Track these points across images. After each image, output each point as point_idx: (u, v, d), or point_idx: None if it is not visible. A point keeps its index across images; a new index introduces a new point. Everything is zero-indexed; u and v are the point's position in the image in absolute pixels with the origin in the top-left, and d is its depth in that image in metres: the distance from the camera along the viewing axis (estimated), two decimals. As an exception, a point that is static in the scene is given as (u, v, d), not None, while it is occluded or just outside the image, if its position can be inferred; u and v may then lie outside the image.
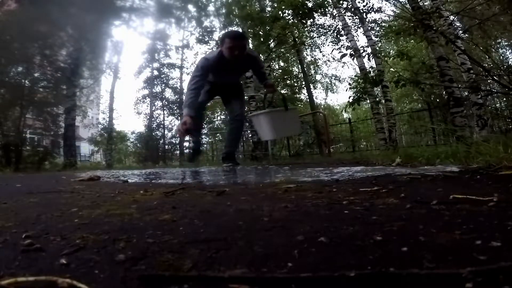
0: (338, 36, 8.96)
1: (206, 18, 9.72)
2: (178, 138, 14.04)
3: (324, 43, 11.22)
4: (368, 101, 7.98)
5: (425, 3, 6.59)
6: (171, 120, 14.07)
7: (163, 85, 13.90)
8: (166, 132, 13.74)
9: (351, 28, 8.77)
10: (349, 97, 5.09)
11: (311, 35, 10.90)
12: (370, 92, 6.82)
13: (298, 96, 12.39)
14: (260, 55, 8.39)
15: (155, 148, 12.93)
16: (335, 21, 9.27)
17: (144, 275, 0.34)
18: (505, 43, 9.86)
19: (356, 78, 6.30)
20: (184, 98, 2.56)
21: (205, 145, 16.42)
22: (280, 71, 13.61)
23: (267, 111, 2.77)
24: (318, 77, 13.58)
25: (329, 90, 13.78)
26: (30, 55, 6.03)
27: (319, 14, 7.64)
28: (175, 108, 13.92)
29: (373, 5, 7.44)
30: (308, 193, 0.88)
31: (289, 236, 0.47)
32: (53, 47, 6.38)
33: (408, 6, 5.65)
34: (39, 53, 6.26)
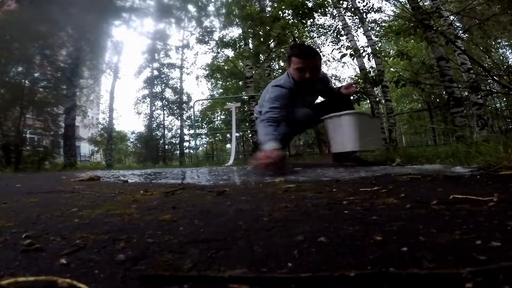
0: (338, 36, 8.96)
1: (206, 18, 9.72)
2: (178, 138, 14.07)
3: (324, 43, 11.21)
4: (368, 101, 7.98)
5: (425, 3, 6.58)
6: (171, 120, 14.10)
7: (163, 85, 13.92)
8: (166, 132, 13.75)
9: (351, 28, 8.77)
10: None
11: (311, 35, 10.90)
12: (370, 92, 6.82)
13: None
14: (260, 55, 8.40)
15: (155, 148, 12.94)
16: (335, 21, 9.27)
17: (144, 275, 0.34)
18: (505, 43, 9.87)
19: (356, 78, 6.30)
20: (258, 133, 1.98)
21: (205, 145, 16.49)
22: (280, 71, 13.61)
23: (353, 113, 2.12)
24: (318, 77, 13.56)
25: (329, 90, 13.77)
26: (30, 55, 6.03)
27: (319, 14, 7.64)
28: (175, 108, 13.93)
29: (373, 5, 7.44)
30: (308, 193, 0.88)
31: (289, 236, 0.47)
32: (53, 47, 6.38)
33: (408, 6, 5.65)
34: (39, 53, 6.27)
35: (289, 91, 2.04)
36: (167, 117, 13.89)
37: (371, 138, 2.18)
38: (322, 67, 2.32)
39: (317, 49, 12.25)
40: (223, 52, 10.31)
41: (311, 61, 1.99)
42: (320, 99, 2.59)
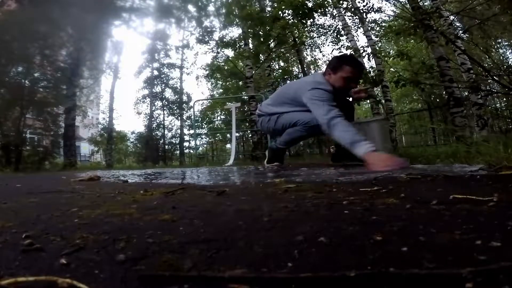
0: (338, 36, 8.97)
1: (206, 18, 9.71)
2: (178, 138, 14.07)
3: (324, 43, 11.22)
4: (368, 101, 7.98)
5: (425, 3, 6.59)
6: (171, 120, 14.10)
7: (163, 85, 13.92)
8: (166, 132, 13.76)
9: (351, 28, 8.78)
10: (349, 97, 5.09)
11: (311, 35, 10.90)
12: (370, 92, 6.82)
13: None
14: (260, 55, 8.40)
15: (155, 148, 12.94)
16: (335, 21, 9.28)
17: (144, 275, 0.34)
18: (505, 43, 9.87)
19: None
20: (340, 136, 1.82)
21: (205, 145, 16.48)
22: (280, 71, 13.61)
23: (380, 119, 2.27)
24: (318, 77, 13.57)
25: (329, 90, 13.77)
26: (30, 55, 6.04)
27: (319, 14, 7.64)
28: (175, 108, 13.93)
29: (373, 5, 7.45)
30: (308, 193, 0.88)
31: (289, 236, 0.47)
32: (53, 47, 6.38)
33: (408, 6, 5.65)
34: (39, 53, 6.26)
35: (331, 95, 2.04)
36: (167, 117, 13.90)
37: (387, 139, 2.36)
38: None
39: (316, 50, 12.17)
40: (223, 52, 10.32)
41: (361, 72, 2.12)
42: None
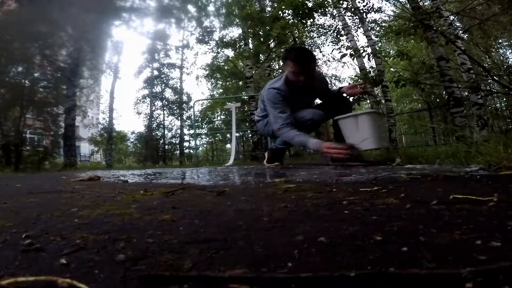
0: (338, 36, 8.96)
1: (206, 18, 9.72)
2: (178, 138, 14.06)
3: (324, 43, 11.22)
4: (368, 101, 7.98)
5: (425, 3, 6.59)
6: (171, 120, 14.09)
7: (163, 85, 13.91)
8: (166, 132, 13.75)
9: (351, 28, 8.78)
10: (349, 97, 5.08)
11: (311, 35, 10.90)
12: (370, 92, 6.82)
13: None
14: (260, 55, 8.39)
15: (155, 148, 12.93)
16: (335, 21, 9.28)
17: (144, 275, 0.34)
18: (505, 43, 9.87)
19: (356, 78, 6.30)
20: (288, 138, 2.09)
21: (205, 145, 16.48)
22: (280, 71, 13.61)
23: (369, 112, 2.19)
24: (318, 77, 13.58)
25: (329, 90, 13.78)
26: (30, 55, 6.03)
27: (319, 14, 7.64)
28: (175, 108, 13.93)
29: (373, 5, 7.44)
30: (308, 193, 0.88)
31: (289, 236, 0.47)
32: (53, 47, 6.38)
33: (408, 6, 5.65)
34: (39, 53, 6.26)
35: (284, 94, 2.11)
36: (167, 117, 13.89)
37: (383, 136, 2.27)
38: (316, 69, 2.36)
39: (316, 50, 12.22)
40: (223, 52, 10.32)
41: (307, 64, 2.06)
42: (317, 101, 2.62)
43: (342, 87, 2.42)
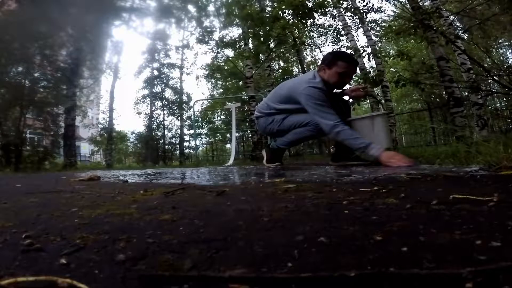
0: (338, 36, 8.97)
1: (206, 18, 9.72)
2: (178, 138, 14.07)
3: (324, 43, 11.22)
4: (368, 101, 7.98)
5: (425, 3, 6.59)
6: (171, 120, 14.10)
7: (163, 85, 13.91)
8: (166, 132, 13.75)
9: (351, 28, 8.78)
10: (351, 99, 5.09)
11: (311, 35, 10.91)
12: (370, 92, 6.82)
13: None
14: (260, 55, 8.39)
15: (155, 148, 12.93)
16: (335, 21, 9.28)
17: (144, 275, 0.34)
18: (505, 43, 9.87)
19: (356, 78, 6.30)
20: (346, 138, 1.99)
21: (205, 145, 16.48)
22: (280, 71, 13.62)
23: (382, 114, 2.26)
24: (318, 77, 13.58)
25: (329, 90, 13.78)
26: (30, 55, 6.04)
27: (319, 14, 7.64)
28: (175, 108, 13.94)
29: (373, 5, 7.45)
30: (308, 193, 0.88)
31: (289, 236, 0.47)
32: (53, 47, 6.38)
33: (408, 6, 5.65)
34: (39, 53, 6.27)
35: (324, 93, 2.11)
36: (167, 117, 13.90)
37: (389, 137, 2.37)
38: None
39: (316, 50, 12.20)
40: (223, 52, 10.32)
41: (355, 68, 2.17)
42: None
43: (345, 89, 2.43)
